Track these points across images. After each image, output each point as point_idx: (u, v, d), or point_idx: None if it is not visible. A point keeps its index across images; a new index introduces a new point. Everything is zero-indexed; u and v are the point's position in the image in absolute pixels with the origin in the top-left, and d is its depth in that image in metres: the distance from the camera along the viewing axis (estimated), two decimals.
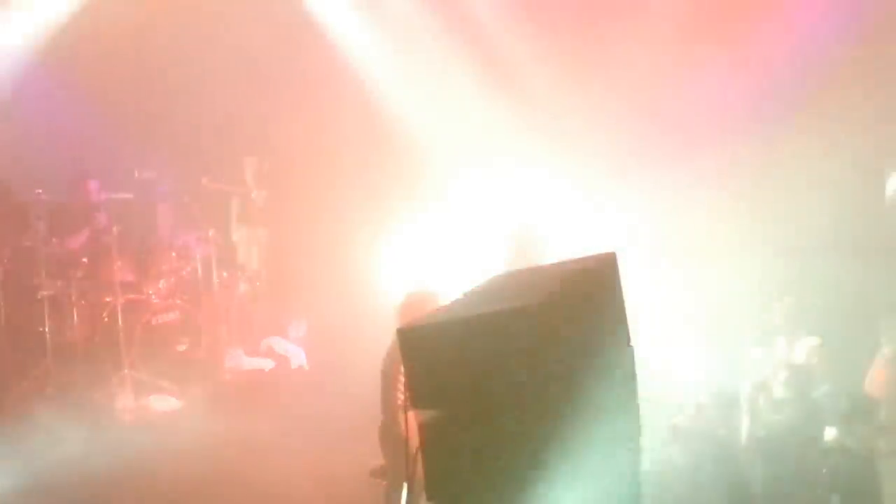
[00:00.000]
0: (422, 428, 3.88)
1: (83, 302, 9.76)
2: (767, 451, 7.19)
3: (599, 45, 10.69)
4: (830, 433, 6.99)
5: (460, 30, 11.09)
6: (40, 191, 9.55)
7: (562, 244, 8.69)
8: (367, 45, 11.21)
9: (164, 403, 9.59)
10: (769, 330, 8.82)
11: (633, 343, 4.53)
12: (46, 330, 9.53)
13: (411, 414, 6.26)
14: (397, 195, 10.63)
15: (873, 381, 7.76)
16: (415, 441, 5.59)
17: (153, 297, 10.02)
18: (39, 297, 9.55)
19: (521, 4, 11.00)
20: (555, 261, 6.36)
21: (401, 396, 6.43)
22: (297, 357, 10.68)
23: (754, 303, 9.23)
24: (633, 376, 4.49)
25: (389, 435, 6.56)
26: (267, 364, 10.58)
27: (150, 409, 9.52)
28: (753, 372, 8.04)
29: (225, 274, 10.71)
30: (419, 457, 3.93)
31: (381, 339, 6.68)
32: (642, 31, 10.57)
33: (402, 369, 6.34)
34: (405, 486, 5.95)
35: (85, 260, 9.82)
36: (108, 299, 9.77)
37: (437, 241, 9.99)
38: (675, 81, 10.21)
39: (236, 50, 10.91)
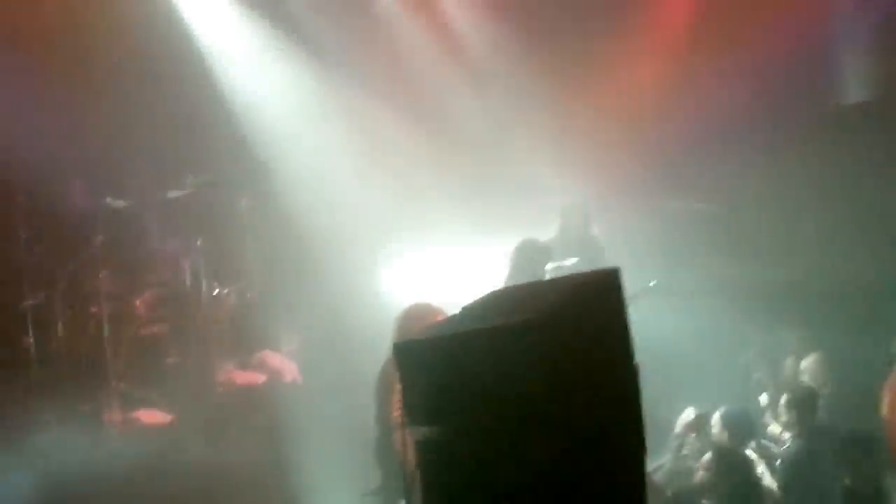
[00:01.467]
0: (418, 445, 3.77)
1: (68, 313, 9.60)
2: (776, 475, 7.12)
3: (602, 57, 10.71)
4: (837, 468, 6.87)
5: (456, 39, 11.11)
6: (21, 197, 9.43)
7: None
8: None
9: (152, 417, 9.42)
10: (775, 349, 8.76)
11: (637, 360, 4.41)
12: (30, 342, 9.38)
13: (407, 431, 6.20)
14: (398, 204, 10.60)
15: (890, 402, 7.63)
16: (410, 458, 5.50)
17: (140, 307, 9.87)
18: (22, 308, 9.41)
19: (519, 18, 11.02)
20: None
21: (395, 412, 6.31)
22: (290, 371, 10.52)
23: (760, 320, 9.19)
24: (637, 394, 4.36)
25: (384, 452, 6.45)
26: (259, 378, 10.42)
27: (138, 423, 9.35)
28: (759, 392, 7.99)
29: (215, 284, 10.55)
30: (415, 475, 3.83)
31: (377, 353, 6.58)
32: (646, 44, 10.59)
33: (396, 385, 6.25)
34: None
35: (70, 270, 9.66)
36: (93, 310, 9.60)
37: (439, 254, 9.95)
38: (684, 95, 10.19)
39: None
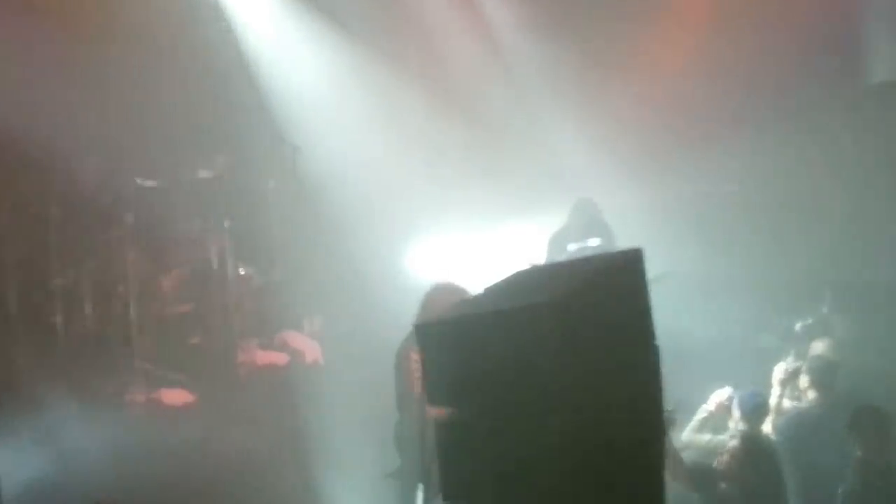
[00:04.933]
0: (438, 427, 3.76)
1: (95, 292, 9.66)
2: (790, 444, 7.09)
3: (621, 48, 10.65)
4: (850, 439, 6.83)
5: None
6: (53, 177, 9.49)
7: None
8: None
9: (175, 397, 9.48)
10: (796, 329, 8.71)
11: (657, 341, 4.40)
12: (58, 321, 9.46)
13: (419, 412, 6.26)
14: (425, 186, 10.59)
15: None
16: (430, 439, 5.51)
17: (166, 288, 9.91)
18: (51, 286, 9.48)
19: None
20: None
21: (412, 392, 6.35)
22: (313, 352, 10.56)
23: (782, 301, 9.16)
24: (657, 373, 4.35)
25: (403, 433, 6.45)
26: (281, 358, 10.46)
27: (162, 402, 9.41)
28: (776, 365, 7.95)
29: (240, 265, 10.59)
30: (433, 456, 3.82)
31: (398, 334, 6.57)
32: (671, 27, 10.51)
33: (411, 365, 6.30)
34: (420, 486, 5.85)
35: (98, 250, 9.72)
36: (120, 290, 9.66)
37: (464, 236, 9.94)
38: (709, 78, 10.10)
39: None
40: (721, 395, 7.41)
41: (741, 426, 6.99)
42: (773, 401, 7.45)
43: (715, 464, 6.81)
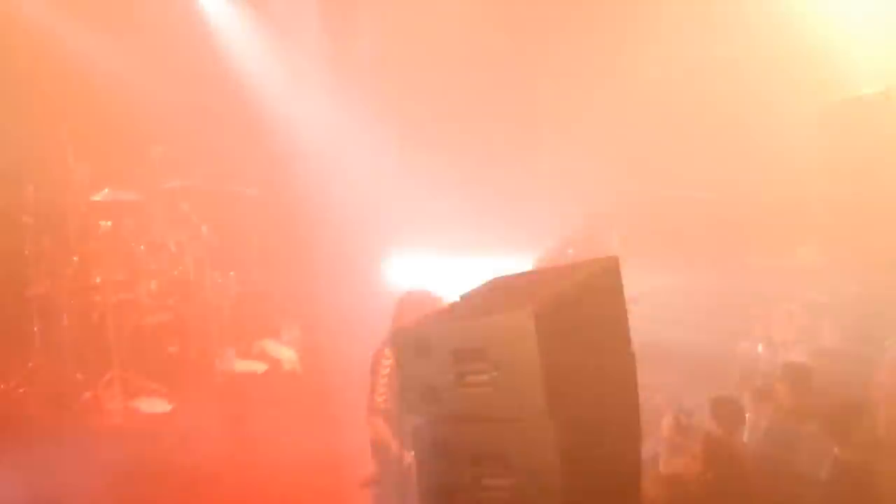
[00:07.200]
0: (414, 433, 3.79)
1: (73, 301, 9.62)
2: (768, 452, 7.13)
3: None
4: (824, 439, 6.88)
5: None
6: (29, 187, 9.46)
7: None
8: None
9: (153, 405, 9.45)
10: (767, 333, 8.78)
11: (633, 348, 4.44)
12: (35, 329, 9.41)
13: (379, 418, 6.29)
14: (402, 197, 10.61)
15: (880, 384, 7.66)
16: (394, 444, 5.52)
17: (144, 297, 9.88)
18: (28, 296, 9.44)
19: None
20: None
21: (379, 397, 6.38)
22: (290, 360, 10.55)
23: (754, 305, 9.21)
24: (633, 381, 4.40)
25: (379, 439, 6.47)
26: (259, 367, 10.45)
27: (139, 411, 9.38)
28: (753, 372, 8.01)
29: (217, 274, 10.58)
30: (413, 463, 3.85)
31: (375, 342, 6.60)
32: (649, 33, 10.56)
33: (381, 370, 6.35)
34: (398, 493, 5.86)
35: (75, 259, 9.69)
36: (98, 299, 9.63)
37: (441, 245, 9.96)
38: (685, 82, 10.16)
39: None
40: (668, 423, 7.46)
41: (718, 433, 7.04)
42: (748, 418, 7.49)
43: (681, 469, 6.90)
